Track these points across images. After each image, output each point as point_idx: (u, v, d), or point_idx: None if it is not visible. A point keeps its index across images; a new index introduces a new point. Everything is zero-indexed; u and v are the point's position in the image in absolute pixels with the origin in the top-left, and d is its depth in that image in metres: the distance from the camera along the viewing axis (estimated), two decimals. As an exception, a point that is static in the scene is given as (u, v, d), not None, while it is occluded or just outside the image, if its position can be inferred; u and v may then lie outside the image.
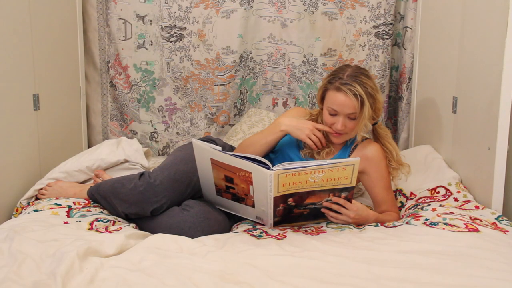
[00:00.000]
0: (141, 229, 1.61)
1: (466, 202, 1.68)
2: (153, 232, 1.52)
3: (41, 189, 1.84)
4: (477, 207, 1.63)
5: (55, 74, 2.11)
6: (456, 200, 1.71)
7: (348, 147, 1.79)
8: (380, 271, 1.22)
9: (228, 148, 1.89)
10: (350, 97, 1.63)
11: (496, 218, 1.54)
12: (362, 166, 1.74)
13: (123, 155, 2.01)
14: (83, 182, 1.93)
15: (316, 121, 1.78)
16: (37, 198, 1.83)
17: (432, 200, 1.75)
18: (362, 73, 1.68)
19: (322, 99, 1.73)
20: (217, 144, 1.87)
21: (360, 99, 1.63)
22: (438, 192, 1.78)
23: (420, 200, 1.77)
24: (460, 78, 1.84)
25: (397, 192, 1.87)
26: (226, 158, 1.49)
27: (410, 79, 2.43)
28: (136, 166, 2.01)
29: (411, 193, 1.83)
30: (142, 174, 1.66)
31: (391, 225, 1.58)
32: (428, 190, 1.80)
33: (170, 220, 1.57)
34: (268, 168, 1.43)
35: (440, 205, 1.67)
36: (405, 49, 2.46)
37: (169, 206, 1.61)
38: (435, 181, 1.83)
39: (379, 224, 1.61)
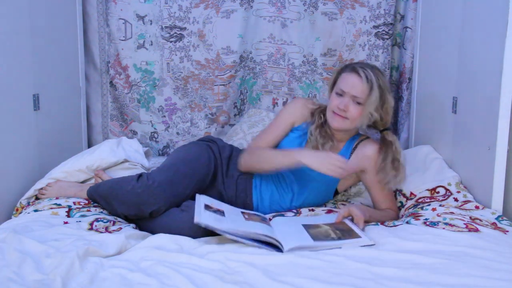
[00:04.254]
0: (141, 229, 1.61)
1: (466, 202, 1.68)
2: (153, 233, 1.52)
3: (41, 188, 1.84)
4: (477, 207, 1.63)
5: (55, 74, 2.11)
6: (456, 200, 1.71)
7: (351, 143, 1.81)
8: (380, 271, 1.22)
9: (228, 149, 1.88)
10: (362, 79, 1.66)
11: (496, 218, 1.54)
12: (362, 165, 1.77)
13: (123, 155, 2.01)
14: (83, 182, 1.93)
15: (319, 117, 1.78)
16: (37, 198, 1.83)
17: (432, 200, 1.74)
18: (378, 69, 1.73)
19: (333, 86, 1.75)
20: (217, 145, 1.86)
21: (370, 84, 1.66)
22: (438, 192, 1.78)
23: (420, 200, 1.77)
24: (460, 78, 1.84)
25: (397, 192, 1.87)
26: (233, 237, 1.42)
27: (410, 79, 2.43)
28: (136, 166, 2.01)
29: (411, 193, 1.83)
30: (140, 176, 1.65)
31: (391, 225, 1.59)
32: (428, 190, 1.80)
33: (169, 221, 1.57)
34: (280, 249, 1.38)
35: (440, 205, 1.67)
36: (405, 49, 2.46)
37: (168, 208, 1.60)
38: (435, 181, 1.82)
39: (379, 224, 1.61)
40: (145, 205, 1.58)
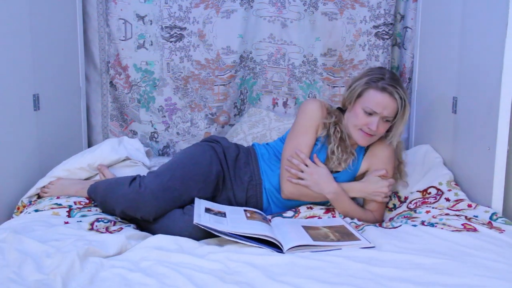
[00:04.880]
0: (142, 230, 1.60)
1: (458, 201, 1.67)
2: (154, 234, 1.52)
3: (44, 187, 1.83)
4: (469, 206, 1.63)
5: (55, 74, 2.11)
6: (447, 200, 1.70)
7: (362, 146, 1.80)
8: (380, 271, 1.22)
9: (234, 149, 1.82)
10: (394, 99, 1.64)
11: (490, 217, 1.53)
12: (369, 163, 1.79)
13: (124, 153, 2.01)
14: (86, 179, 1.93)
15: (337, 131, 1.74)
16: (39, 197, 1.83)
17: (424, 203, 1.73)
18: (400, 79, 1.71)
19: (357, 98, 1.69)
20: (221, 145, 1.83)
21: (404, 105, 1.65)
22: (429, 193, 1.77)
23: (412, 203, 1.77)
24: (460, 78, 1.84)
25: (393, 194, 1.86)
26: (235, 237, 1.41)
27: (410, 79, 2.43)
28: (137, 164, 2.02)
29: (405, 198, 1.83)
30: (133, 179, 1.65)
31: (390, 226, 1.59)
32: (419, 191, 1.80)
33: (170, 224, 1.56)
34: (280, 250, 1.39)
35: (433, 207, 1.66)
36: (405, 49, 2.46)
37: (161, 213, 1.59)
38: (427, 181, 1.82)
39: (377, 225, 1.61)
40: (135, 211, 1.58)
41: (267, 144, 1.90)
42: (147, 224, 1.61)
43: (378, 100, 1.64)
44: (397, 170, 1.82)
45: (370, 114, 1.66)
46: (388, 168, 1.77)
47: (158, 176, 1.65)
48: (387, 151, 1.78)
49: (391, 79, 1.66)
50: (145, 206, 1.57)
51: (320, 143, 1.76)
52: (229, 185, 1.75)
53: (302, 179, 1.71)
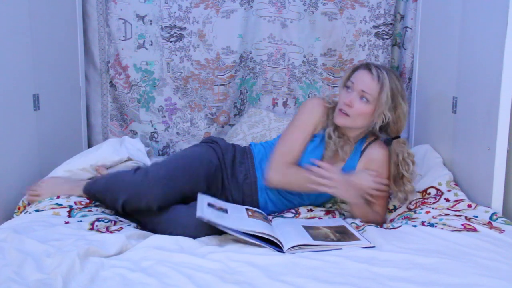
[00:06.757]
0: (144, 226, 1.60)
1: (457, 201, 1.67)
2: (156, 229, 1.52)
3: (31, 186, 1.76)
4: (469, 206, 1.63)
5: (55, 74, 2.11)
6: (447, 200, 1.70)
7: (360, 145, 1.80)
8: (380, 271, 1.22)
9: (231, 150, 1.84)
10: (372, 75, 1.65)
11: (490, 217, 1.53)
12: (366, 165, 1.76)
13: (126, 153, 2.01)
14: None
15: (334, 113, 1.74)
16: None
17: (424, 204, 1.73)
18: (395, 74, 1.72)
19: (345, 83, 1.73)
20: (219, 145, 1.85)
21: (381, 83, 1.64)
22: (429, 194, 1.77)
23: (412, 203, 1.76)
24: (460, 78, 1.85)
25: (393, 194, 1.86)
26: (237, 233, 1.42)
27: (410, 79, 2.43)
28: (138, 164, 2.02)
29: (404, 198, 1.82)
30: (138, 168, 1.65)
31: (390, 227, 1.59)
32: (419, 192, 1.80)
33: (175, 217, 1.55)
34: (280, 249, 1.38)
35: (433, 208, 1.66)
36: (405, 49, 2.46)
37: (165, 202, 1.58)
38: (427, 181, 1.82)
39: (378, 226, 1.61)
40: (140, 198, 1.57)
41: (265, 142, 1.91)
42: (151, 218, 1.59)
43: (359, 74, 1.69)
44: (395, 182, 1.76)
45: (349, 89, 1.68)
46: (383, 171, 1.75)
47: (163, 166, 1.66)
48: (381, 155, 1.76)
49: (382, 66, 1.72)
50: (150, 193, 1.56)
51: (319, 139, 1.76)
52: (227, 185, 1.76)
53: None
